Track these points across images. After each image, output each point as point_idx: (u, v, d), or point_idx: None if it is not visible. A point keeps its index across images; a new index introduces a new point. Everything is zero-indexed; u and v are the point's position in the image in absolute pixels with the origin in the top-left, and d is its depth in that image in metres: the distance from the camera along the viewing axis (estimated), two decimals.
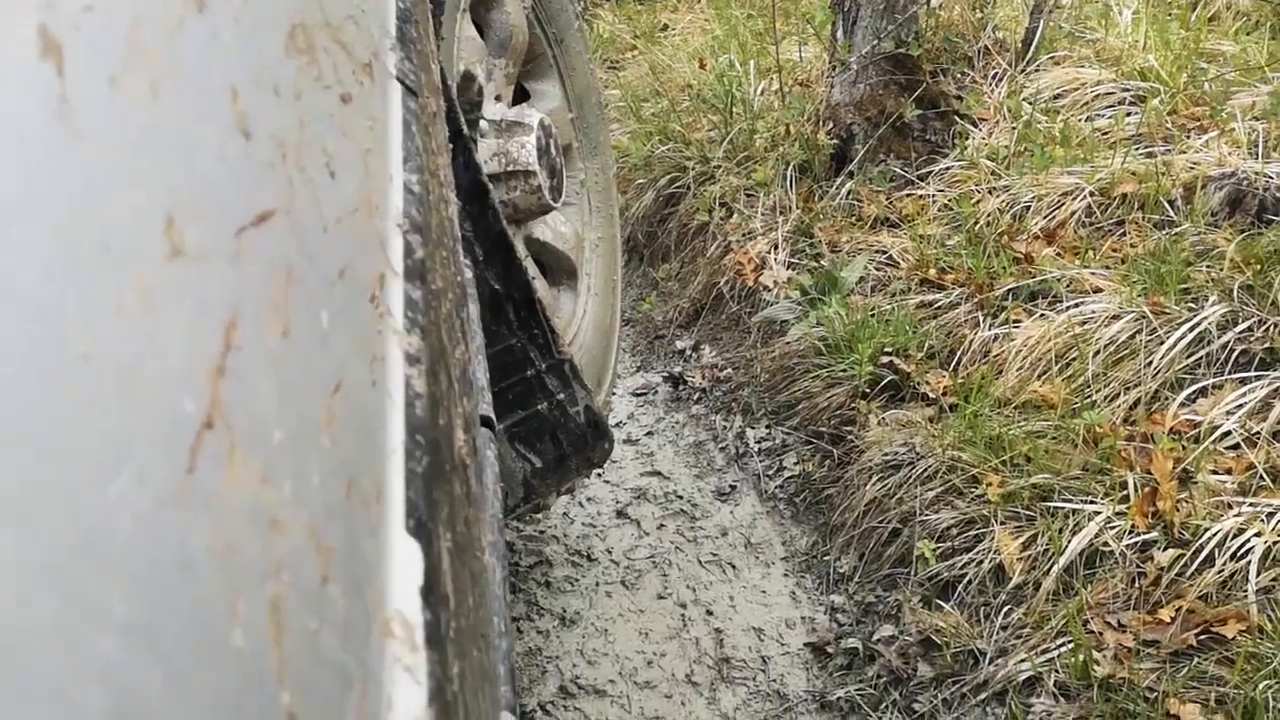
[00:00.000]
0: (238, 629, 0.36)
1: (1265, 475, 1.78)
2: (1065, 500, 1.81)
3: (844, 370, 2.26)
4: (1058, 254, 2.51)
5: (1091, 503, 1.79)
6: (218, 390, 0.39)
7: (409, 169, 0.67)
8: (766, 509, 2.15)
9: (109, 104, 0.40)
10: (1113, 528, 1.75)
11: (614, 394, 2.36)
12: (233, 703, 0.35)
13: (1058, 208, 2.63)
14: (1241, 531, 1.68)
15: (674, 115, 3.30)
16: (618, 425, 2.48)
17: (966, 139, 2.89)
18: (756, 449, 2.30)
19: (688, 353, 2.74)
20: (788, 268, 2.69)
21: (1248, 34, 3.67)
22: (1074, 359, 2.12)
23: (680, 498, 2.24)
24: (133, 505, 0.33)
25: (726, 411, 2.45)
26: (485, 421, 0.84)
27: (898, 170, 2.85)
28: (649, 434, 2.48)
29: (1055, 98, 3.08)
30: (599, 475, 2.35)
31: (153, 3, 0.45)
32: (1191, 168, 2.65)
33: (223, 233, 0.44)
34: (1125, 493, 1.79)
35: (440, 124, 0.83)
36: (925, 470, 1.94)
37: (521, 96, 1.91)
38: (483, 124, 1.63)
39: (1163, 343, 2.05)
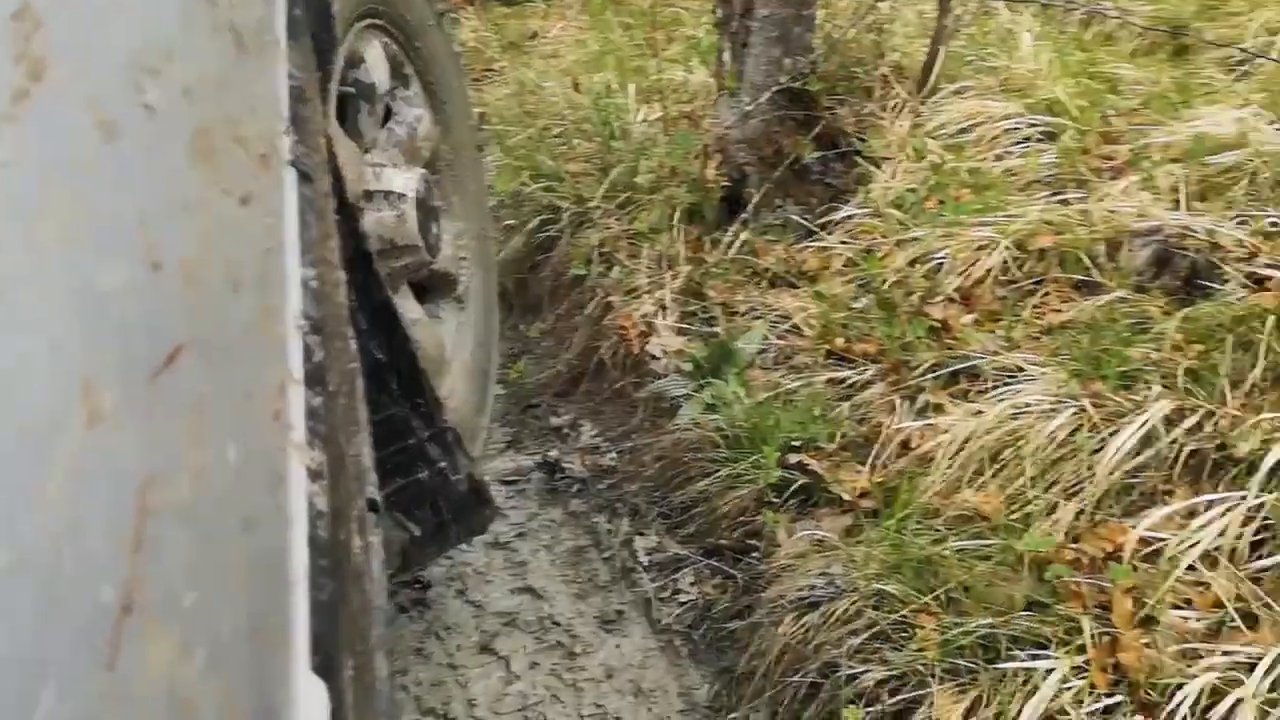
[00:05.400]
0: None
1: (1235, 612, 1.54)
2: (1012, 650, 1.53)
3: (745, 469, 1.95)
4: (977, 321, 2.24)
5: (1044, 652, 1.51)
6: (135, 567, 0.37)
7: (306, 263, 0.65)
8: (660, 644, 1.82)
9: (24, 264, 0.37)
10: (1069, 688, 1.47)
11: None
12: None
13: (972, 264, 2.37)
14: (1218, 692, 1.43)
15: (544, 146, 2.93)
16: None
17: (869, 183, 2.61)
18: (646, 562, 1.97)
19: (565, 430, 2.38)
20: (678, 334, 2.36)
21: (1145, 55, 3.51)
22: (1007, 459, 1.85)
23: (558, 625, 1.89)
24: None
25: (611, 512, 2.11)
26: (371, 505, 0.76)
27: (797, 218, 2.55)
28: (520, 535, 2.12)
29: (960, 132, 2.83)
30: (461, 594, 1.99)
31: (66, 144, 0.42)
32: (1110, 215, 2.42)
33: (137, 384, 0.41)
34: (1081, 640, 1.52)
35: (329, 202, 0.80)
36: (847, 609, 1.64)
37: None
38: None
39: (1104, 443, 1.80)
